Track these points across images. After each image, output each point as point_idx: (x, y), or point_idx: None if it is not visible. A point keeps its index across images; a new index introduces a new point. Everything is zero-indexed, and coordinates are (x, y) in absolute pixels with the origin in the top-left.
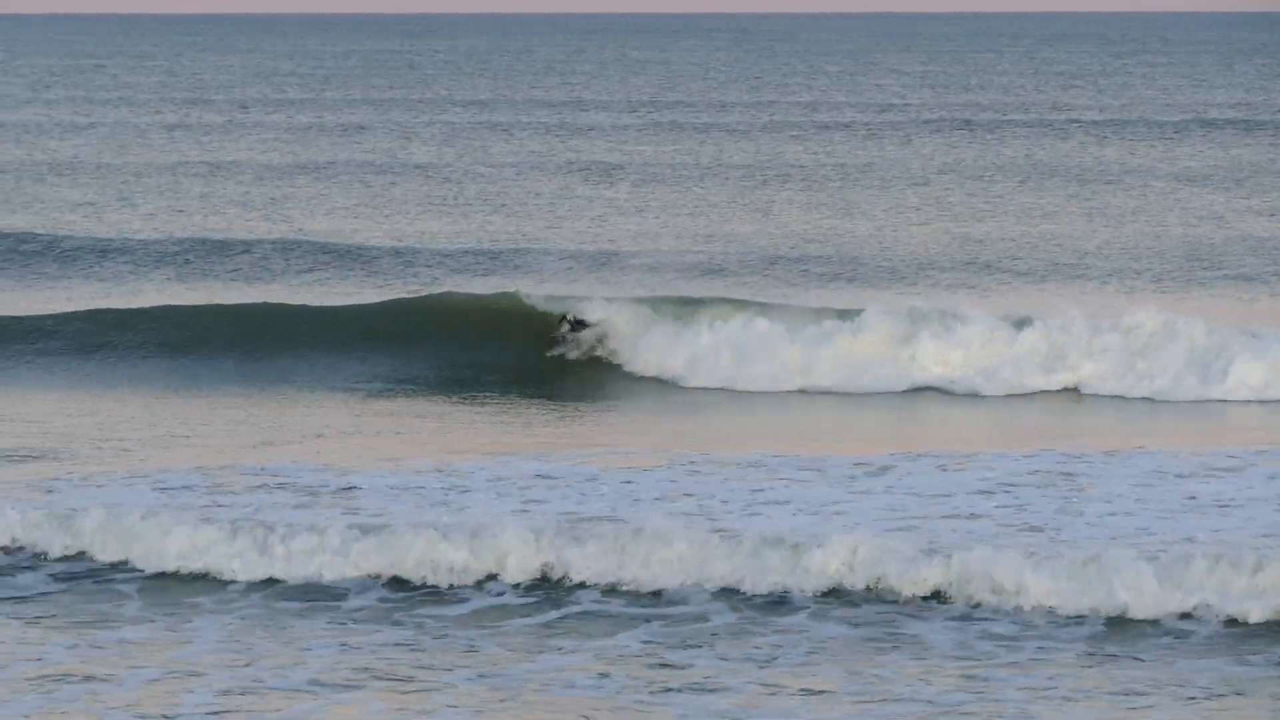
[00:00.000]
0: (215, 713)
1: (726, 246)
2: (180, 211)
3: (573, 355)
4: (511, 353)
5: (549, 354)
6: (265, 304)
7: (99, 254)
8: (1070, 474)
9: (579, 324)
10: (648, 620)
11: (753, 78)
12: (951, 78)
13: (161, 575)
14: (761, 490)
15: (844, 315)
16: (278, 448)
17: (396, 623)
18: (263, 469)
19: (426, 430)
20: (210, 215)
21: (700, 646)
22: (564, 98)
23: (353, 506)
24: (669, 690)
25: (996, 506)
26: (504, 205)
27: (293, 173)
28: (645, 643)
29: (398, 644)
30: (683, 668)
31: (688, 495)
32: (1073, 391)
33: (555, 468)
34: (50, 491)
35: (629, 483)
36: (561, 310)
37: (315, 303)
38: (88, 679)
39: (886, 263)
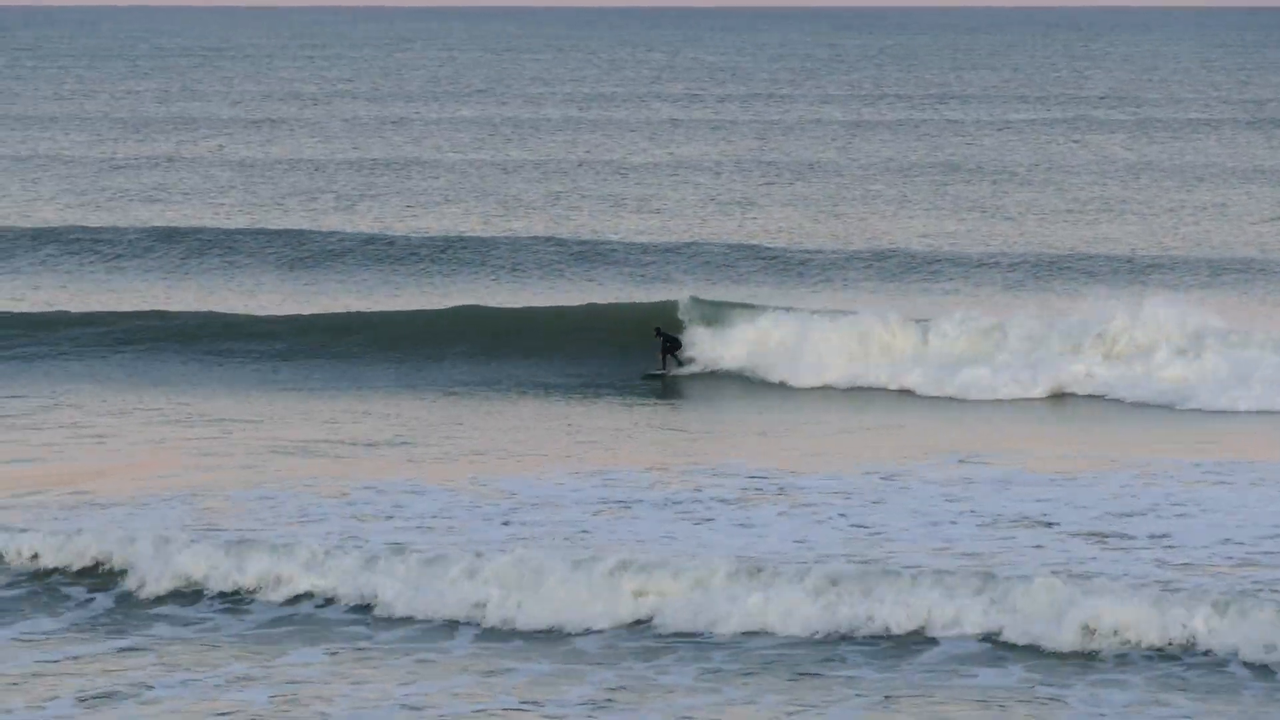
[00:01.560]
0: (592, 701)
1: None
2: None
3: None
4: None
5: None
6: (634, 304)
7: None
8: None
9: (671, 342)
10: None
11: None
12: None
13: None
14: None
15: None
16: (711, 445)
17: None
18: (711, 468)
19: (833, 429)
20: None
21: None
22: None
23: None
24: None
25: None
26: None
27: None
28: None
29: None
30: None
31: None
32: None
33: (967, 469)
34: (512, 494)
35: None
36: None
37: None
38: (486, 673)
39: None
